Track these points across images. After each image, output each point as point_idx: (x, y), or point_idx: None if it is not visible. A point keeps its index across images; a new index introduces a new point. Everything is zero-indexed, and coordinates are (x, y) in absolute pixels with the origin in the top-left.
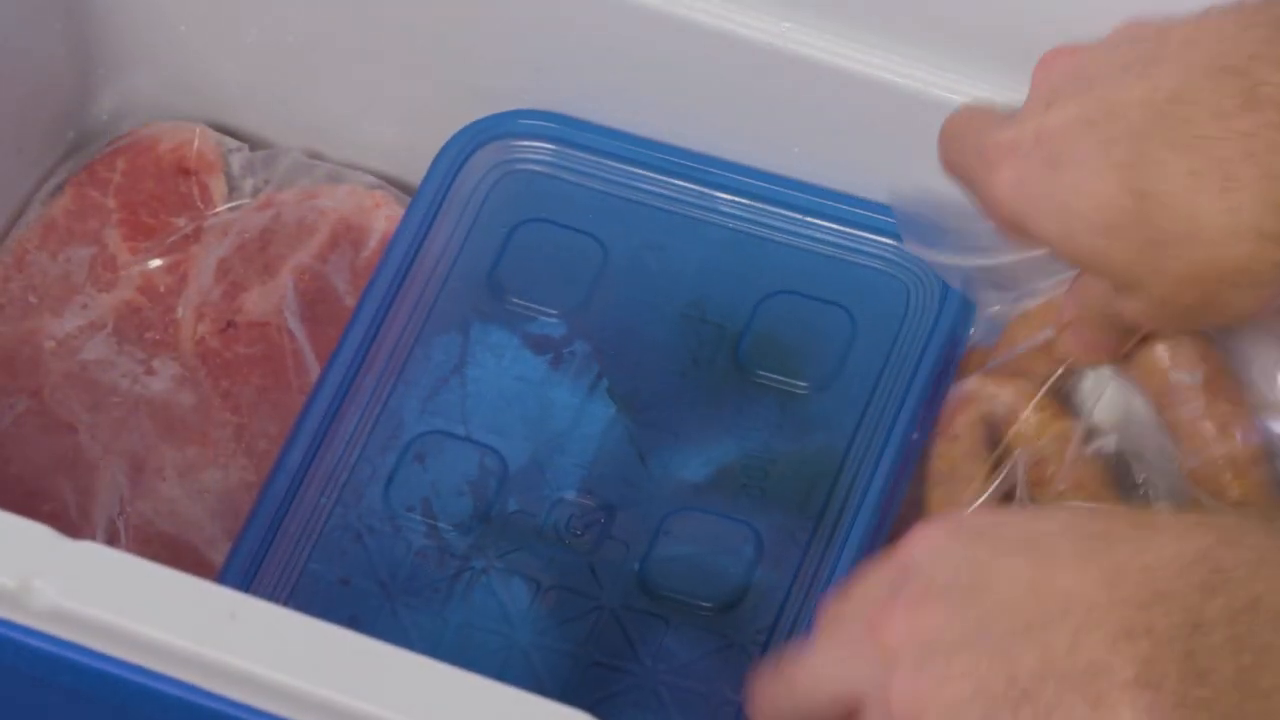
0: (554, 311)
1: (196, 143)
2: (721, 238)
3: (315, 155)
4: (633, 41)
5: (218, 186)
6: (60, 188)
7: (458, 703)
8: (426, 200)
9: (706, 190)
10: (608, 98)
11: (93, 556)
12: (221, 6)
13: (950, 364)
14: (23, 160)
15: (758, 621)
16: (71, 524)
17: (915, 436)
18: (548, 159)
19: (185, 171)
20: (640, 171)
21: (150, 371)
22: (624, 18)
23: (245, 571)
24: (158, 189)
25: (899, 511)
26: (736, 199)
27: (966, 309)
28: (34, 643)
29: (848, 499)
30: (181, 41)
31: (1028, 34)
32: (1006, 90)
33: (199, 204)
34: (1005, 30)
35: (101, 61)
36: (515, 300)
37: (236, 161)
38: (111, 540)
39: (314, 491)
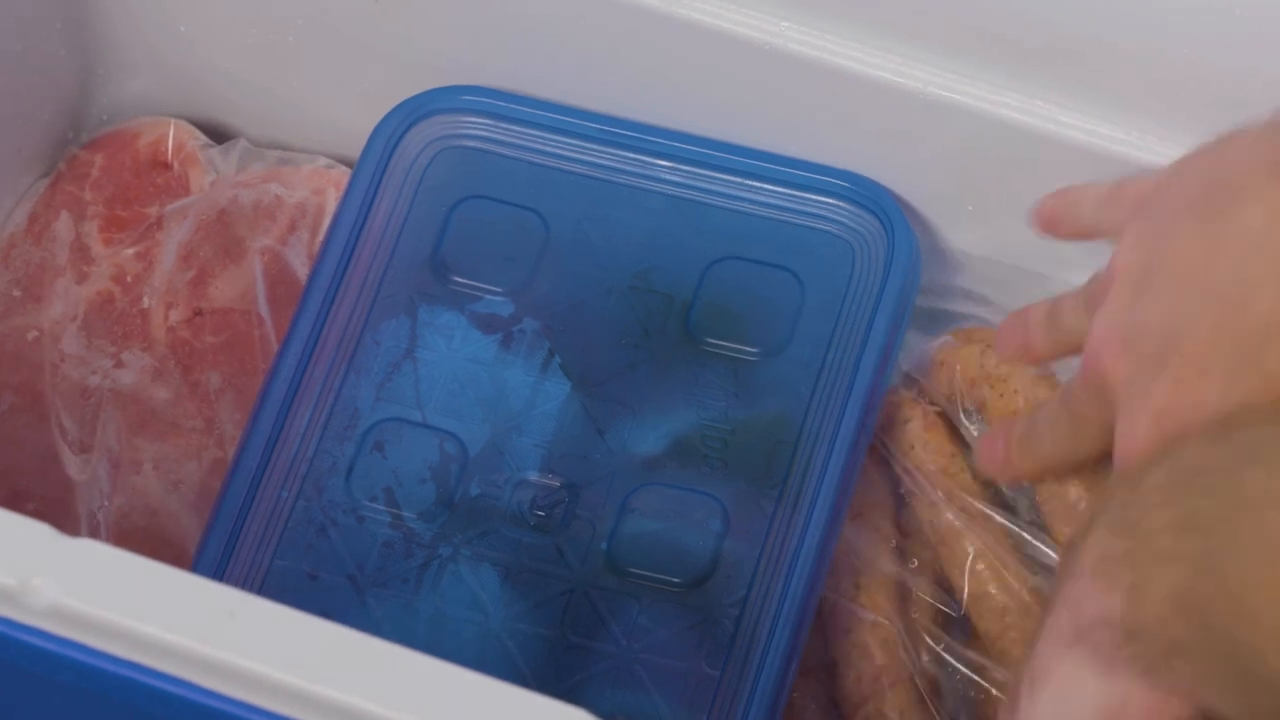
0: (500, 290)
1: (172, 136)
2: (663, 206)
3: (299, 149)
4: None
5: (197, 178)
6: (43, 184)
7: (459, 702)
8: (364, 181)
9: (646, 159)
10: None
11: (92, 554)
12: (222, 6)
13: (902, 322)
14: (23, 160)
15: (730, 595)
16: (56, 521)
17: (873, 399)
18: (483, 133)
19: (162, 165)
20: (577, 143)
21: (120, 365)
22: None
23: (211, 572)
24: (135, 182)
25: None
26: (676, 166)
27: (914, 266)
28: (34, 641)
29: (809, 465)
30: (182, 41)
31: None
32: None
33: (178, 196)
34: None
35: (101, 61)
36: (460, 280)
37: (208, 155)
38: (93, 536)
39: (274, 487)
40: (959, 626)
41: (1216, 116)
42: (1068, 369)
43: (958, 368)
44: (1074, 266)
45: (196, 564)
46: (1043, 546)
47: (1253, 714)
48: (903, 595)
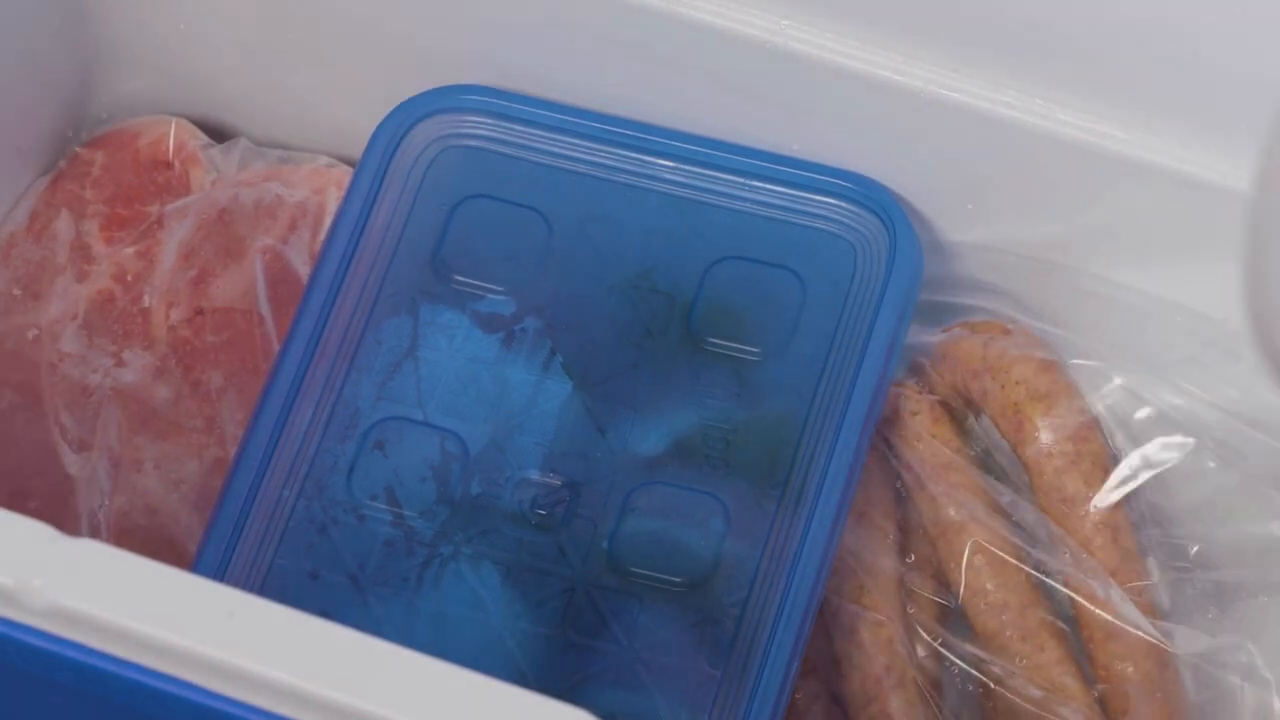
0: (502, 289)
1: (173, 135)
2: (665, 205)
3: (300, 148)
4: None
5: (198, 177)
6: (44, 182)
7: (459, 702)
8: (366, 180)
9: (647, 158)
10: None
11: (92, 554)
12: (223, 4)
13: (904, 321)
14: (22, 159)
15: (731, 595)
16: (56, 520)
17: (876, 399)
18: (485, 133)
19: (163, 163)
20: (579, 142)
21: (121, 363)
22: None
23: (212, 571)
24: (135, 181)
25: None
26: (678, 165)
27: (916, 266)
28: (33, 641)
29: (811, 465)
30: (183, 39)
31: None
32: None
33: (179, 195)
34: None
35: (101, 60)
36: (462, 279)
37: (209, 154)
38: (93, 535)
39: (275, 485)
40: (957, 620)
41: (1216, 116)
42: (1070, 359)
43: (961, 360)
44: (1076, 257)
45: (198, 563)
46: (1043, 540)
47: None
48: (904, 593)
